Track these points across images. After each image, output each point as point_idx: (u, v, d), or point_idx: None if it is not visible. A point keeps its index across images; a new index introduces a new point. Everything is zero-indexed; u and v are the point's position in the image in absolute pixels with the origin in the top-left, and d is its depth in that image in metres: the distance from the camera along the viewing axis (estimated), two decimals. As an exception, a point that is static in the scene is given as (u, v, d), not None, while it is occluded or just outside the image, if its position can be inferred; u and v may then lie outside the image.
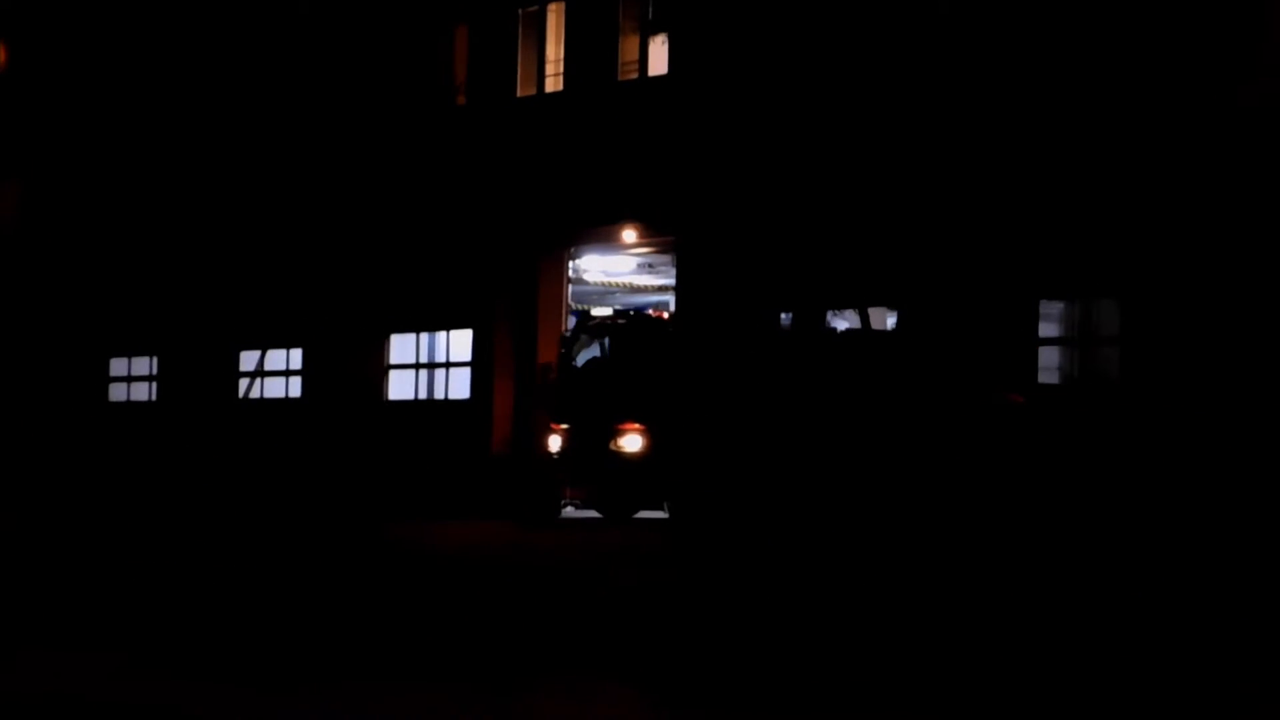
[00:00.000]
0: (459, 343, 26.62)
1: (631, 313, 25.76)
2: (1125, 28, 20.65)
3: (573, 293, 26.81)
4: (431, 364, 27.88)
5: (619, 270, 27.19)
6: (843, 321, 23.95)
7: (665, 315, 25.51)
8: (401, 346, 28.83)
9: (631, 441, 23.63)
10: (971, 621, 10.75)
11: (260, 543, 20.06)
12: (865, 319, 23.06)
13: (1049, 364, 22.20)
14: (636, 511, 23.45)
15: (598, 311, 26.21)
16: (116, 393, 34.93)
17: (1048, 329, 22.24)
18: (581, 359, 24.97)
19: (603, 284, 27.53)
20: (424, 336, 28.20)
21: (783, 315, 24.32)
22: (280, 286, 30.17)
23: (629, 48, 26.10)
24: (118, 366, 34.94)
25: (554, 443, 24.26)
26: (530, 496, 24.45)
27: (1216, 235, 19.49)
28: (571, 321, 26.13)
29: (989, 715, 7.35)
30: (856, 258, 22.85)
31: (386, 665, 9.14)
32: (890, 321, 23.27)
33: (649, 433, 23.60)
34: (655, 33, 25.88)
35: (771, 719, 7.40)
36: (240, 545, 19.53)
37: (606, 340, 24.63)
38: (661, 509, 23.59)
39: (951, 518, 18.89)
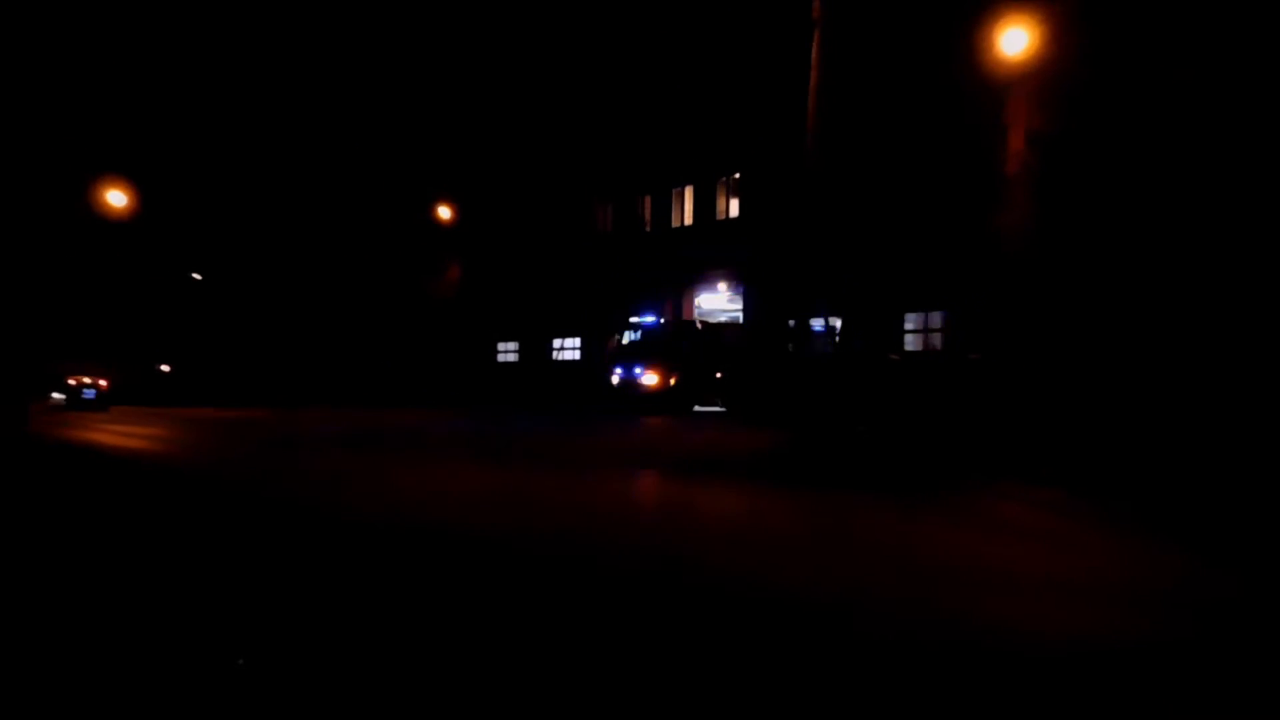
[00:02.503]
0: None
1: (648, 320, 31.07)
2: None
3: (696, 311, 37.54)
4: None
5: (717, 302, 37.68)
6: (820, 324, 27.07)
7: (664, 319, 29.67)
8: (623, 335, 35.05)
9: (650, 377, 26.64)
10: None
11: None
12: (831, 323, 26.98)
13: (910, 344, 27.59)
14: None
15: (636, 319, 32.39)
16: (500, 358, 46.84)
17: (910, 325, 27.72)
18: (628, 341, 30.49)
19: (708, 309, 38.02)
20: (628, 332, 33.76)
21: (790, 321, 26.86)
22: (571, 306, 42.80)
23: (721, 203, 37.19)
24: (500, 346, 46.79)
25: (614, 379, 28.53)
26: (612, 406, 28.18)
27: (995, 267, 23.02)
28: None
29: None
30: (830, 294, 27.32)
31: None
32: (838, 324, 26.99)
33: (664, 372, 26.72)
34: (732, 196, 36.60)
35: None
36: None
37: (639, 332, 29.66)
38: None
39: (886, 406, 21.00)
